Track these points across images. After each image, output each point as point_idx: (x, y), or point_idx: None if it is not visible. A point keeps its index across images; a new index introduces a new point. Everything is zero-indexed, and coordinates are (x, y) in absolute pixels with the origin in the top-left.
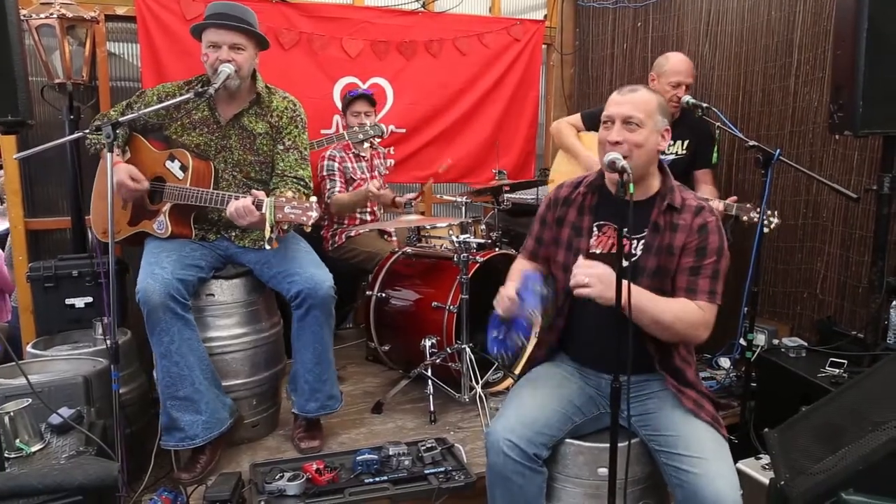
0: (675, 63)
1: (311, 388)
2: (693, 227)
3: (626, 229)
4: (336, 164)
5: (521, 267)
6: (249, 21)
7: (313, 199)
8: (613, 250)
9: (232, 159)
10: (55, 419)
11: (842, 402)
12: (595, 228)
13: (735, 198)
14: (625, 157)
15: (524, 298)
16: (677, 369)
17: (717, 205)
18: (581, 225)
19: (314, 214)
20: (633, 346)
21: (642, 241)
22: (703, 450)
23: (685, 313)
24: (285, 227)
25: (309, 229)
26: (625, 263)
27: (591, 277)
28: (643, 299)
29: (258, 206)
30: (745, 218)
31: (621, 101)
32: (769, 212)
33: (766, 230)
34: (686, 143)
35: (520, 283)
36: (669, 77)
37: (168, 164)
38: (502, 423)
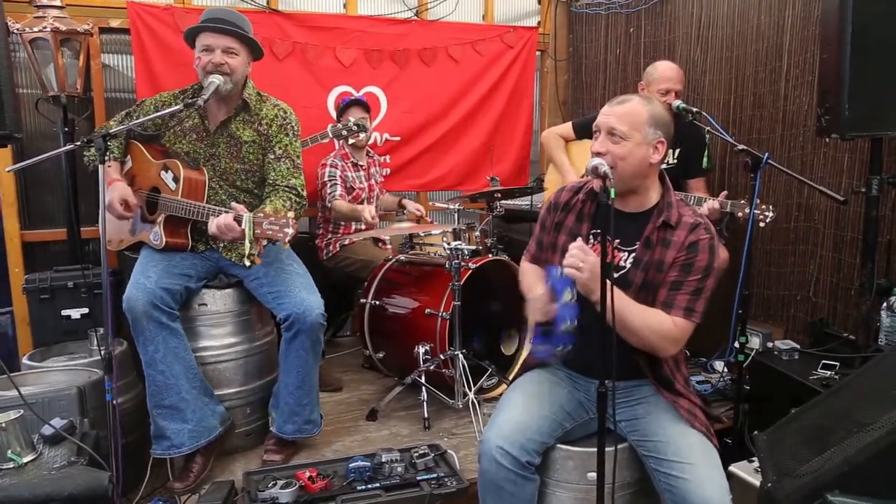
0: (662, 70)
1: (291, 411)
2: (684, 244)
3: (612, 238)
4: (338, 172)
5: (527, 269)
6: (244, 27)
7: (291, 214)
8: (607, 260)
9: (219, 167)
10: (47, 430)
11: (829, 404)
12: (591, 237)
13: (725, 192)
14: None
15: (555, 289)
16: (667, 379)
17: (713, 203)
18: (578, 232)
19: (290, 231)
20: (621, 354)
21: (632, 255)
22: (691, 455)
23: (656, 324)
24: (264, 243)
25: (286, 246)
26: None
27: (586, 263)
28: (618, 300)
29: (238, 221)
30: (739, 214)
31: (608, 113)
32: (764, 206)
33: (761, 224)
34: (678, 151)
35: (545, 280)
36: (658, 84)
37: (162, 174)
38: (494, 431)
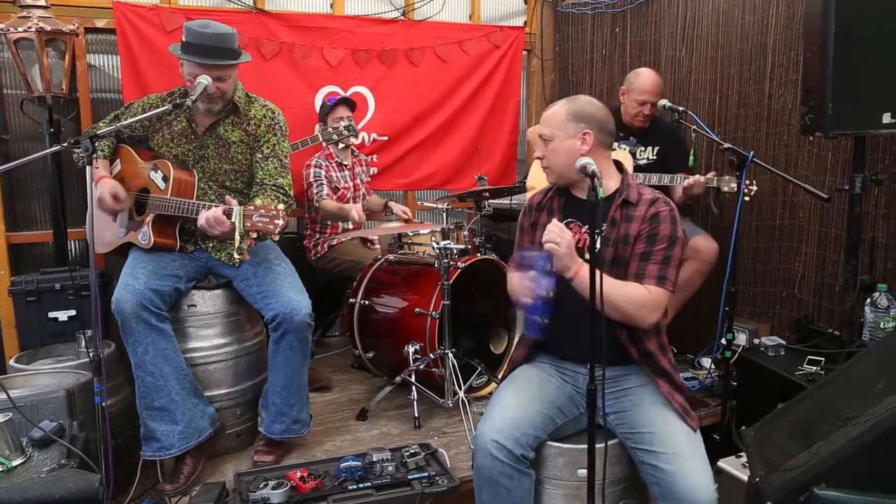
0: (642, 83)
1: (278, 411)
2: (646, 217)
3: (597, 230)
4: (322, 172)
5: (513, 277)
6: (231, 45)
7: (281, 206)
8: (580, 245)
9: (208, 168)
10: (36, 433)
11: (816, 399)
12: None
13: (714, 172)
14: (545, 168)
15: (538, 281)
16: (652, 354)
17: (698, 177)
18: None
19: (280, 223)
20: (605, 335)
21: (601, 235)
22: (677, 445)
23: (631, 293)
24: (254, 236)
25: (277, 238)
26: (586, 256)
27: (563, 240)
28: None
29: (228, 214)
30: (725, 189)
31: (540, 122)
32: (747, 181)
33: (746, 198)
34: (656, 149)
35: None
36: (636, 95)
37: (152, 174)
38: (488, 426)
